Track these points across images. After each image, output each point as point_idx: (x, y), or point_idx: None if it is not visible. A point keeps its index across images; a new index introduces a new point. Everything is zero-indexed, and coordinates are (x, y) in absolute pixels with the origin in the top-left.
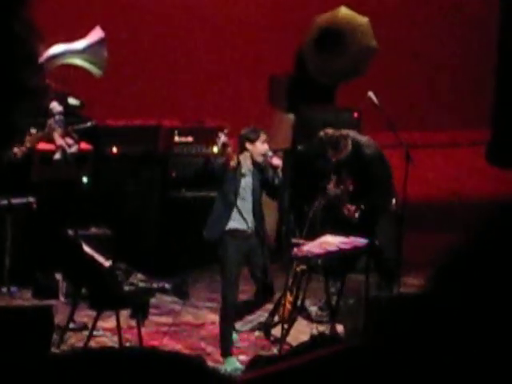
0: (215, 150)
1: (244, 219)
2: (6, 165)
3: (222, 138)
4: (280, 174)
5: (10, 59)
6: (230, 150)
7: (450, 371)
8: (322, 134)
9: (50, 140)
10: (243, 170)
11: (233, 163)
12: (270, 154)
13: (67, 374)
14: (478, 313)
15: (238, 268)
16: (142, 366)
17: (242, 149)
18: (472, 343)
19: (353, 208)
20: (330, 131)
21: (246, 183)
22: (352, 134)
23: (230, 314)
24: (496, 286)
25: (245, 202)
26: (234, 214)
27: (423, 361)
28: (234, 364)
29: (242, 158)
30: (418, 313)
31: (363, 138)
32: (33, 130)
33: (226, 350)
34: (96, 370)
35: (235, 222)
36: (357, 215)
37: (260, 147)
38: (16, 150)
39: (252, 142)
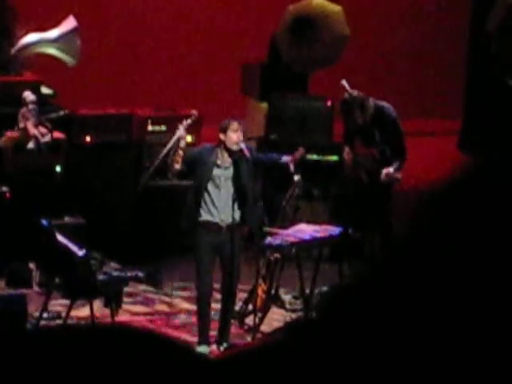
0: (189, 138)
1: (217, 211)
2: None
3: (181, 130)
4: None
5: None
6: (180, 152)
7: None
8: (346, 95)
9: (24, 129)
10: (219, 162)
11: (177, 166)
12: (243, 146)
13: (37, 350)
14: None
15: (210, 256)
16: (111, 341)
17: (219, 141)
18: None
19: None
20: (353, 92)
21: (224, 175)
22: (371, 98)
23: (204, 301)
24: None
25: (220, 194)
26: (207, 205)
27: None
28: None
29: (219, 150)
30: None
31: (382, 102)
32: (8, 132)
33: (201, 337)
34: (65, 344)
35: (208, 215)
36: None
37: (231, 136)
38: None
39: (224, 131)
